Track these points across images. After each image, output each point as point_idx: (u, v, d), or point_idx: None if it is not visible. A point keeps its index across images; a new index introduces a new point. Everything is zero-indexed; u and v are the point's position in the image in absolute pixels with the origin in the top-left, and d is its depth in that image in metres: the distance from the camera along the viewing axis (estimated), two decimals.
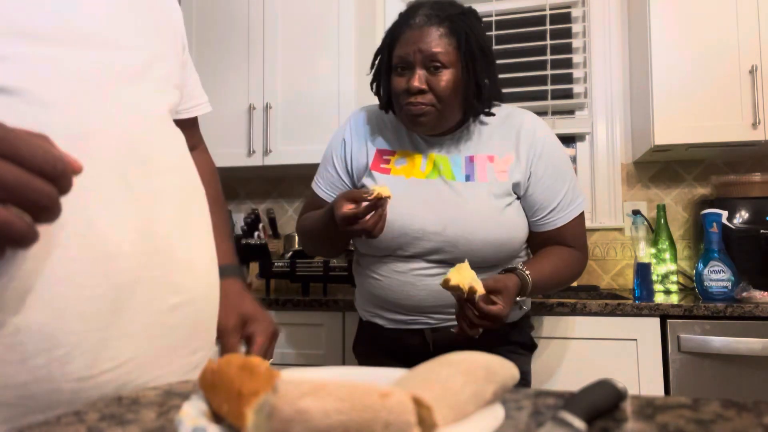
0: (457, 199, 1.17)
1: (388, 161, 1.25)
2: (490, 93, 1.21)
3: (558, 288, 1.27)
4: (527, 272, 1.12)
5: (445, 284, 1.00)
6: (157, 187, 0.61)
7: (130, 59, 0.62)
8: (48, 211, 0.39)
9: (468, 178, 1.20)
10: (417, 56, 1.14)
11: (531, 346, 1.33)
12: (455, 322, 1.09)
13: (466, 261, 1.03)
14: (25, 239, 0.38)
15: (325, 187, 1.32)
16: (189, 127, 0.85)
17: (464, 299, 1.02)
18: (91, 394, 0.53)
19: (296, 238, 2.10)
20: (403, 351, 1.25)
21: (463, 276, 1.00)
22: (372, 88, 1.30)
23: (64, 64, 0.55)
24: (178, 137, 0.69)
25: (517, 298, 1.10)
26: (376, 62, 1.27)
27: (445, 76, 1.14)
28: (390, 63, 1.21)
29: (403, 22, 1.19)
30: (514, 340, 1.27)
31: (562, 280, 1.23)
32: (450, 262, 1.14)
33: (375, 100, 1.32)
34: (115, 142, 0.57)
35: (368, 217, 1.03)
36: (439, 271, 1.17)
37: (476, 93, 1.18)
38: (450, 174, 1.21)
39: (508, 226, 1.18)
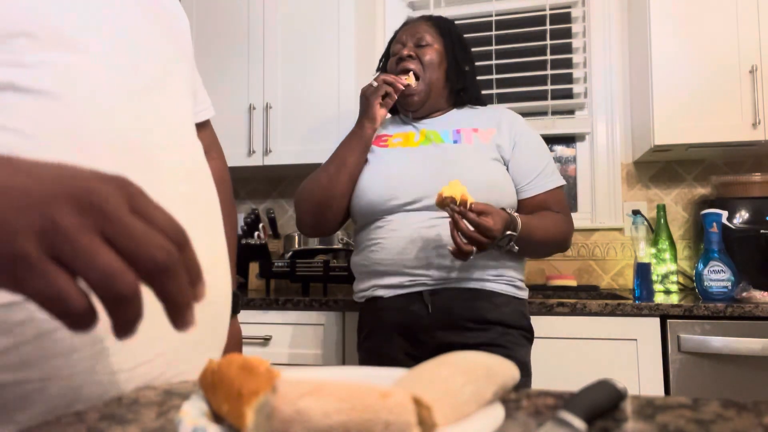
0: (447, 155, 1.34)
1: (385, 141, 1.45)
2: (471, 79, 1.49)
3: (548, 245, 1.35)
4: (515, 214, 1.24)
5: (439, 198, 1.12)
6: (159, 188, 0.61)
7: (151, 68, 0.64)
8: (165, 272, 0.33)
9: (456, 141, 1.39)
10: (408, 38, 1.45)
11: (529, 329, 1.34)
12: (452, 284, 1.26)
13: (457, 179, 1.16)
14: (79, 322, 0.32)
15: None
16: (202, 131, 0.87)
17: (457, 212, 1.12)
18: (125, 387, 0.55)
19: (296, 237, 2.10)
20: (405, 320, 1.29)
21: (455, 190, 1.12)
22: None
23: (92, 72, 0.57)
24: (196, 144, 0.72)
25: (507, 232, 1.19)
26: (379, 68, 1.56)
27: (430, 51, 1.43)
28: (388, 59, 1.49)
29: (400, 27, 1.53)
30: (511, 323, 1.29)
31: (550, 233, 1.32)
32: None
33: None
34: (117, 144, 0.57)
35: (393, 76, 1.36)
36: (434, 222, 1.27)
37: (457, 73, 1.45)
38: (440, 139, 1.40)
39: (494, 172, 1.32)
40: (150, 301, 0.56)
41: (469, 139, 1.38)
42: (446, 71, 1.44)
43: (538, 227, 1.29)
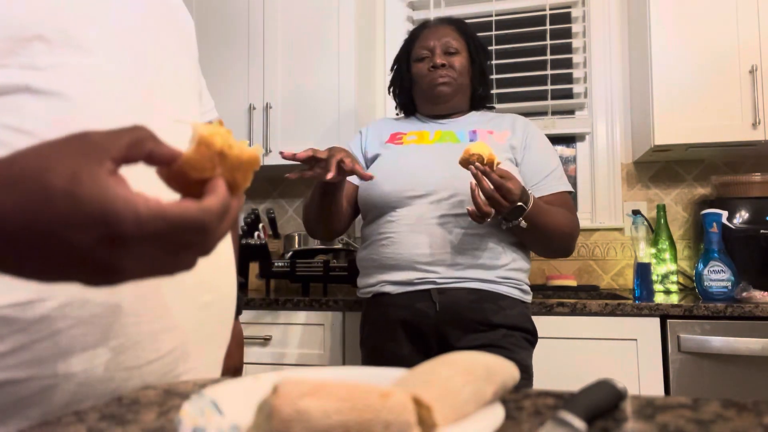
0: (461, 150, 1.28)
1: (400, 138, 1.47)
2: (490, 83, 1.55)
3: (554, 232, 1.31)
4: (528, 189, 1.26)
5: (465, 155, 1.15)
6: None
7: (160, 69, 0.66)
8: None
9: (471, 140, 1.41)
10: (437, 44, 1.46)
11: (533, 333, 1.34)
12: (460, 284, 1.27)
13: (483, 141, 1.25)
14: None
15: None
16: None
17: (481, 170, 1.14)
18: (136, 383, 0.56)
19: (296, 237, 2.10)
20: (412, 317, 1.29)
21: (483, 148, 1.15)
22: (389, 92, 1.61)
23: (102, 74, 0.58)
24: None
25: (519, 203, 1.20)
26: (394, 69, 1.57)
27: (459, 59, 1.46)
28: (409, 61, 1.51)
29: (419, 28, 1.54)
30: (515, 325, 1.29)
31: (558, 221, 1.31)
32: (454, 204, 1.29)
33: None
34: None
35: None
36: (446, 219, 1.29)
37: (481, 79, 1.50)
38: (455, 139, 1.43)
39: (507, 170, 1.30)
40: (158, 298, 0.57)
41: (484, 138, 1.41)
42: (471, 78, 1.49)
43: (549, 211, 1.30)
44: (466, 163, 1.16)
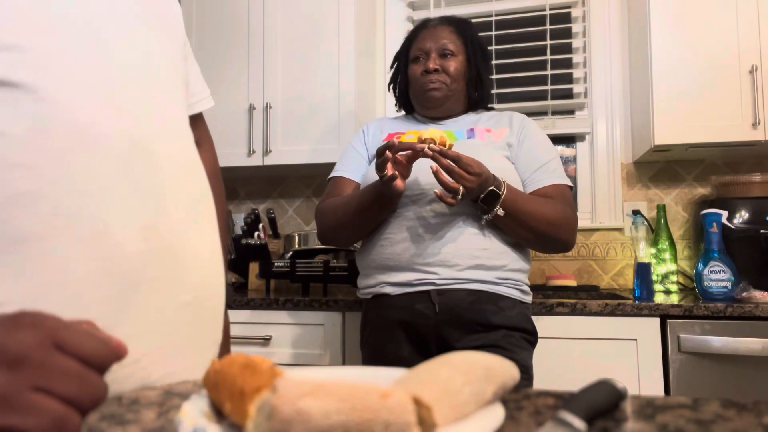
0: (460, 150, 1.25)
1: (398, 138, 1.43)
2: (489, 86, 1.52)
3: (539, 221, 1.27)
4: (502, 178, 1.25)
5: (419, 140, 1.17)
6: (162, 182, 0.61)
7: (137, 55, 0.63)
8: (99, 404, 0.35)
9: (469, 138, 1.42)
10: (432, 46, 1.45)
11: (533, 333, 1.34)
12: (460, 285, 1.26)
13: (436, 128, 1.27)
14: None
15: (348, 166, 1.49)
16: (194, 123, 0.85)
17: (436, 150, 1.15)
18: (113, 388, 0.55)
19: (296, 237, 2.10)
20: (411, 318, 1.29)
21: (434, 133, 1.18)
22: (389, 89, 1.61)
23: (71, 59, 0.56)
24: (187, 133, 0.71)
25: (490, 187, 1.21)
26: (394, 66, 1.57)
27: (454, 62, 1.44)
28: (407, 60, 1.51)
29: (419, 27, 1.53)
30: (515, 326, 1.29)
31: (541, 210, 1.28)
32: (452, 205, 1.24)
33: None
34: (122, 139, 0.57)
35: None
36: (445, 220, 1.28)
37: (477, 83, 1.48)
38: (453, 138, 1.42)
39: (505, 168, 1.32)
40: (129, 298, 0.56)
41: (482, 136, 1.41)
42: (467, 81, 1.47)
43: (530, 200, 1.28)
44: (420, 149, 1.17)
